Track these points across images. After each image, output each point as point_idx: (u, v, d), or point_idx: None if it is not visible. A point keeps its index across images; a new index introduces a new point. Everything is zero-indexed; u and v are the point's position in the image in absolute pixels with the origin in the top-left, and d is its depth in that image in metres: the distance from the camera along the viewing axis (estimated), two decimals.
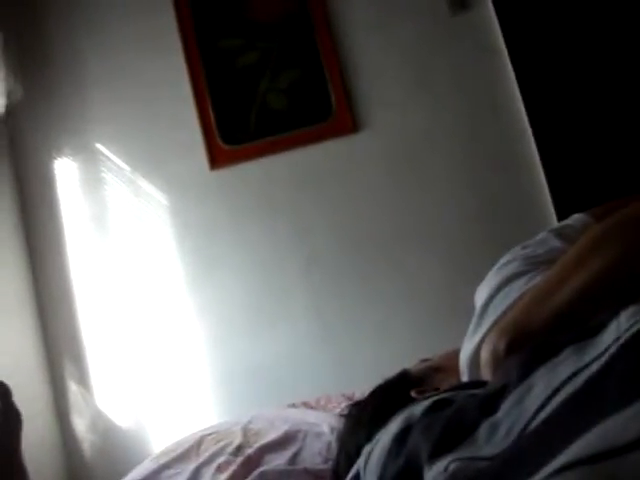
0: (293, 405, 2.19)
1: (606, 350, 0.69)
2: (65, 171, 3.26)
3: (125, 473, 1.90)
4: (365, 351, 2.96)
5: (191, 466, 1.74)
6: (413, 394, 1.29)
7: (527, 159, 2.95)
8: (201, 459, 1.77)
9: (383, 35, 3.08)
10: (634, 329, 0.69)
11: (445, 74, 3.04)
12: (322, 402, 2.17)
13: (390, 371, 1.52)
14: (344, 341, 3.01)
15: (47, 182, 3.26)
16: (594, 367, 0.68)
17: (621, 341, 0.69)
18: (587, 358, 0.71)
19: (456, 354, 1.19)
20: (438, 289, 2.95)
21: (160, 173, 3.19)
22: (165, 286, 3.16)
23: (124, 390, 3.14)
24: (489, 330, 1.04)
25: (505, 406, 0.76)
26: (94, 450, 3.13)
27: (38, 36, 3.30)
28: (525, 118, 2.95)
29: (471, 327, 1.12)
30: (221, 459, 1.73)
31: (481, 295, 1.13)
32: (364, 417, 1.34)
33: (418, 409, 0.93)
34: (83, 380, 3.16)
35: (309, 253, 3.08)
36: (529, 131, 2.94)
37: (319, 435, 1.80)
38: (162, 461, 1.82)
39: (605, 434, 0.57)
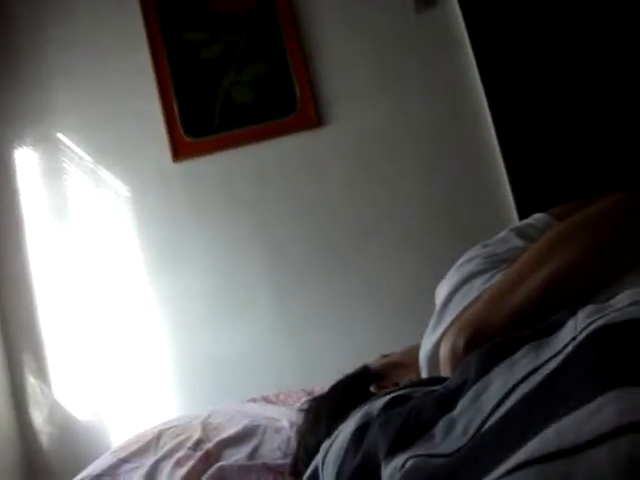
0: (253, 400, 2.19)
1: (563, 349, 0.70)
2: (26, 161, 3.22)
3: (83, 466, 1.88)
4: (328, 346, 2.96)
5: (150, 460, 1.73)
6: (372, 389, 1.29)
7: (490, 156, 2.97)
8: (160, 453, 1.76)
9: (349, 30, 3.08)
10: (591, 328, 0.69)
11: (410, 70, 3.05)
12: (282, 397, 2.17)
13: (352, 366, 1.52)
14: (307, 336, 3.01)
15: (7, 172, 3.21)
16: (551, 365, 0.69)
17: (578, 340, 0.69)
18: (544, 356, 0.71)
19: (416, 350, 1.20)
20: (400, 285, 2.96)
21: (122, 164, 3.16)
22: (126, 278, 3.13)
23: (83, 382, 3.11)
24: (449, 327, 1.05)
25: (462, 403, 0.76)
26: (52, 443, 3.10)
27: (1, 26, 3.25)
28: (489, 115, 2.97)
29: (431, 324, 1.12)
30: (180, 453, 1.72)
31: (441, 292, 1.14)
32: (324, 412, 1.34)
33: (377, 405, 0.93)
34: (41, 372, 3.13)
35: (273, 247, 3.07)
36: (492, 128, 2.96)
37: (278, 430, 1.80)
38: (121, 455, 1.81)
39: (560, 433, 0.57)
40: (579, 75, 2.91)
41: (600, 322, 0.70)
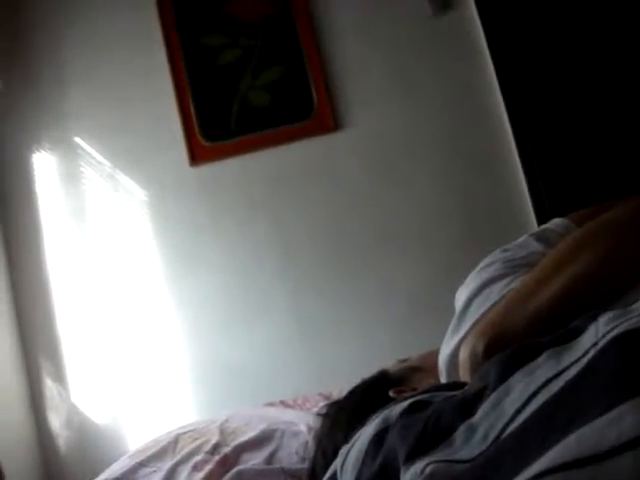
0: (270, 404, 2.19)
1: (584, 355, 0.69)
2: (44, 165, 3.23)
3: (101, 470, 1.89)
4: (344, 350, 2.96)
5: (167, 464, 1.74)
6: (391, 394, 1.29)
7: (507, 161, 2.96)
8: (177, 457, 1.76)
9: (365, 35, 3.08)
10: (612, 334, 0.69)
11: (427, 75, 3.04)
12: (300, 401, 2.17)
13: (369, 371, 1.52)
14: (322, 340, 3.01)
15: (25, 176, 3.23)
16: (572, 372, 0.68)
17: (599, 346, 0.68)
18: (565, 362, 0.71)
19: (435, 354, 1.20)
20: (417, 289, 2.96)
21: (140, 168, 3.17)
22: (143, 282, 3.14)
23: (100, 386, 3.12)
24: (468, 332, 1.04)
25: (483, 409, 0.75)
26: (70, 446, 3.11)
27: (19, 29, 3.27)
28: (506, 119, 2.96)
29: (450, 328, 1.12)
30: (198, 458, 1.73)
31: (461, 297, 1.13)
32: (342, 417, 1.34)
33: (396, 410, 0.92)
34: (59, 376, 3.14)
35: (288, 251, 3.07)
36: (510, 133, 2.95)
37: (296, 434, 1.80)
38: (138, 459, 1.81)
39: (583, 440, 0.57)
40: (597, 77, 2.89)
41: (621, 328, 0.69)
